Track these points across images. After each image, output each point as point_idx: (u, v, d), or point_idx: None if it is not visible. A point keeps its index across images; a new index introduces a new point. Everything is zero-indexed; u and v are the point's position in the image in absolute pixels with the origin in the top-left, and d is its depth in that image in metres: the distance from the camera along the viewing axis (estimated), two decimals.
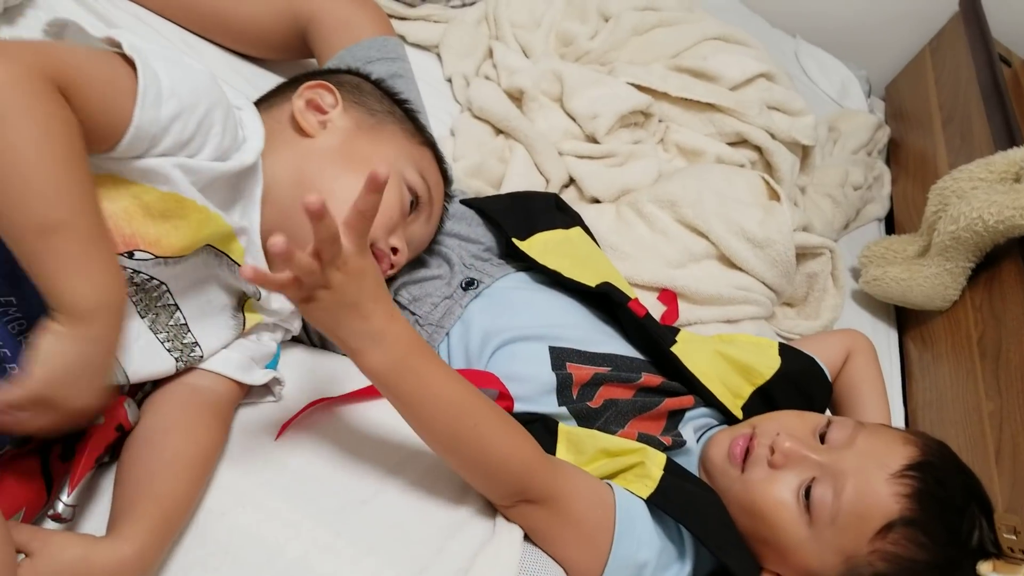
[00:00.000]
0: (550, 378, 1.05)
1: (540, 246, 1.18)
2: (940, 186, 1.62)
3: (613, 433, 1.03)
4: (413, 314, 1.13)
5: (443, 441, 0.85)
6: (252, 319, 0.93)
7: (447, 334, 1.11)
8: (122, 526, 0.75)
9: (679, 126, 1.61)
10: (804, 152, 1.71)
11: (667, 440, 1.05)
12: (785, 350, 1.21)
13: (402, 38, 1.50)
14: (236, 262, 0.88)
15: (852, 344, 1.32)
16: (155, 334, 0.83)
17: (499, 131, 1.49)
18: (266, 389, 0.95)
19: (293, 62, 1.39)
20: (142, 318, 0.82)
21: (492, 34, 1.66)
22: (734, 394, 1.16)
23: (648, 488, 0.94)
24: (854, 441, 0.99)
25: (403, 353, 0.80)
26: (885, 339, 1.71)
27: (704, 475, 1.07)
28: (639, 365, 1.12)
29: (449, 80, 1.58)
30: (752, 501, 0.99)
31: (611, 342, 1.14)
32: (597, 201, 1.47)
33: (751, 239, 1.39)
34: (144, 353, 0.83)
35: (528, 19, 1.67)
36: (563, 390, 1.05)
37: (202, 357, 0.87)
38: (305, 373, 1.01)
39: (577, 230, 1.27)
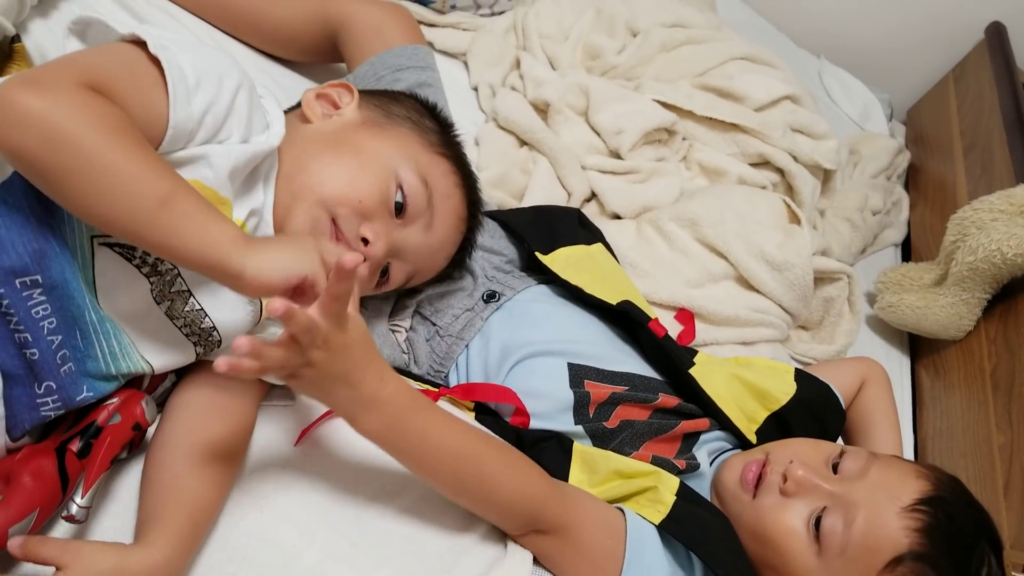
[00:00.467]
0: (568, 396, 1.06)
1: (562, 261, 1.19)
2: (960, 216, 1.62)
3: (627, 455, 1.04)
4: (434, 325, 1.13)
5: (449, 488, 0.86)
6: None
7: (466, 346, 1.12)
8: (151, 533, 0.76)
9: (702, 145, 1.61)
10: (825, 176, 1.71)
11: (681, 463, 1.05)
12: (801, 376, 1.21)
13: (430, 45, 1.50)
14: None
15: (867, 373, 1.32)
16: (172, 320, 0.83)
17: (523, 142, 1.49)
18: (286, 391, 0.95)
19: (322, 66, 1.39)
20: (158, 304, 0.82)
21: (520, 44, 1.66)
22: (749, 418, 1.16)
23: (660, 514, 0.94)
24: (867, 472, 0.99)
25: (397, 414, 0.79)
26: (898, 366, 1.71)
27: (716, 499, 1.07)
28: (656, 385, 1.12)
29: (475, 89, 1.59)
30: (763, 527, 0.99)
31: (629, 361, 1.14)
32: (618, 217, 1.47)
33: (770, 262, 1.39)
34: (165, 342, 0.84)
35: (556, 31, 1.67)
36: (580, 408, 1.06)
37: (221, 342, 0.87)
38: None
39: (598, 246, 1.28)
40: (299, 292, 0.76)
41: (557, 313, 1.15)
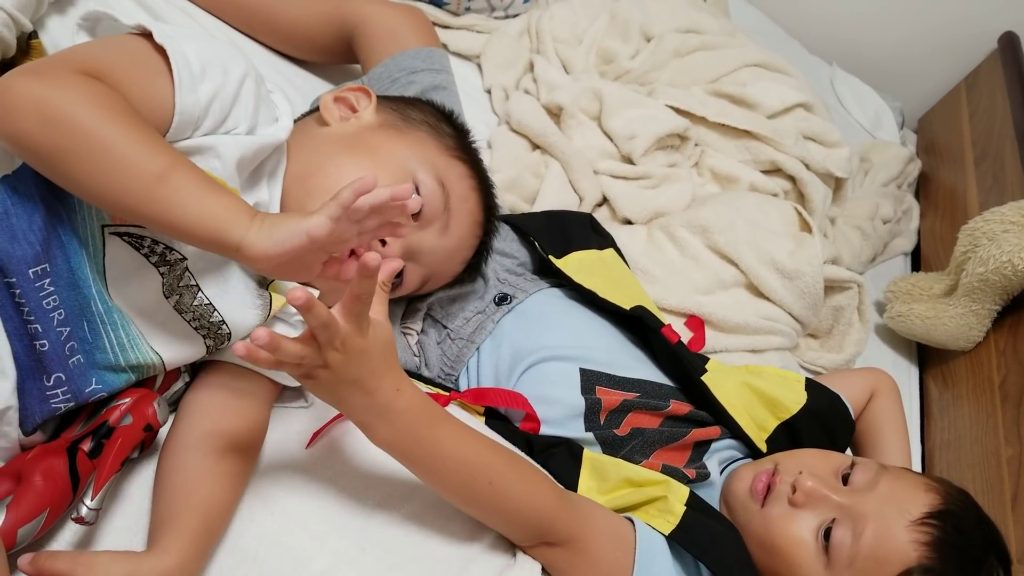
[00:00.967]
0: (579, 402, 1.06)
1: (575, 265, 1.19)
2: (971, 227, 1.61)
3: (637, 463, 1.04)
4: (445, 327, 1.13)
5: (459, 499, 0.86)
6: (278, 300, 0.92)
7: (477, 349, 1.12)
8: (164, 538, 0.76)
9: (715, 151, 1.61)
10: (837, 184, 1.71)
11: (691, 473, 1.05)
12: (811, 385, 1.21)
13: (444, 47, 1.50)
14: None
15: (877, 384, 1.32)
16: (180, 314, 0.83)
17: (535, 146, 1.49)
18: (298, 393, 0.95)
19: (336, 66, 1.39)
20: (167, 298, 0.82)
21: (533, 47, 1.66)
22: (759, 427, 1.16)
23: (670, 524, 0.94)
24: (876, 485, 0.99)
25: (410, 424, 0.79)
26: (906, 376, 1.71)
27: (725, 509, 1.07)
28: (668, 392, 1.12)
29: (488, 91, 1.58)
30: (771, 537, 0.99)
31: (640, 367, 1.14)
32: (629, 222, 1.47)
33: (781, 269, 1.39)
34: (174, 335, 0.84)
35: (570, 35, 1.67)
36: (591, 415, 1.06)
37: (230, 335, 0.87)
38: None
39: (610, 252, 1.28)
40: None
41: (569, 317, 1.15)
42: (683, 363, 1.14)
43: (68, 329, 0.77)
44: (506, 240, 1.23)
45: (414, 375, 1.11)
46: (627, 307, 1.15)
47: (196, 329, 0.85)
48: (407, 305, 1.14)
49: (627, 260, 1.34)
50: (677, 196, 1.49)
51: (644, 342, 1.18)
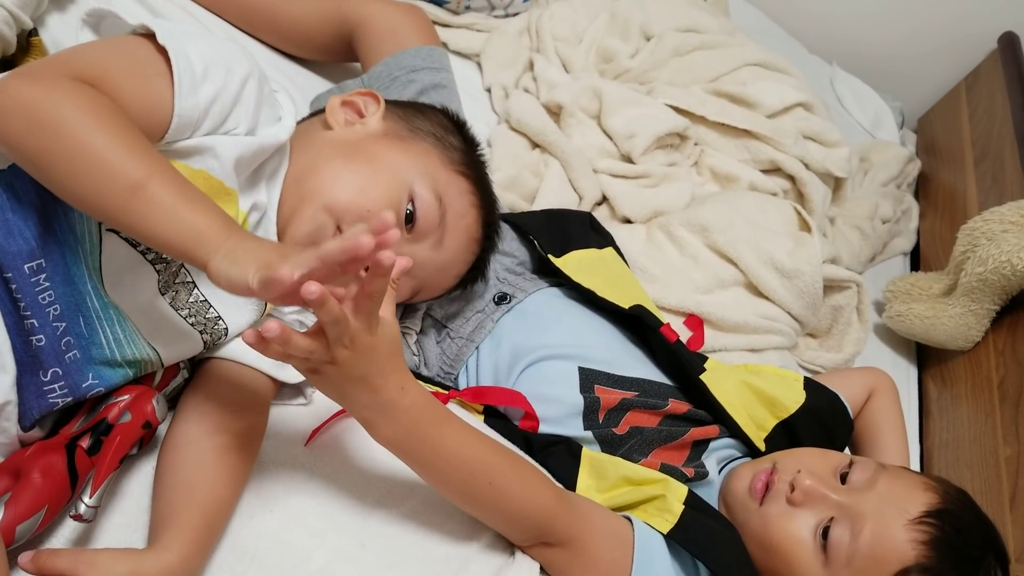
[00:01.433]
0: (578, 400, 1.06)
1: (574, 264, 1.19)
2: (970, 227, 1.61)
3: (636, 461, 1.04)
4: (444, 327, 1.13)
5: (459, 498, 0.86)
6: None
7: (477, 348, 1.12)
8: (165, 535, 0.75)
9: (714, 150, 1.61)
10: (836, 183, 1.71)
11: (689, 472, 1.06)
12: (810, 385, 1.22)
13: (444, 45, 1.50)
14: None
15: (875, 383, 1.33)
16: (177, 311, 0.83)
17: (535, 145, 1.49)
18: (297, 390, 0.95)
19: (336, 65, 1.39)
20: (163, 295, 0.82)
21: (533, 46, 1.66)
22: (758, 426, 1.16)
23: (668, 523, 0.94)
24: (875, 484, 0.99)
25: (414, 423, 0.79)
26: (905, 376, 1.71)
27: (723, 508, 1.07)
28: (666, 391, 1.12)
29: (488, 90, 1.59)
30: (769, 536, 1.00)
31: (639, 366, 1.14)
32: (629, 221, 1.47)
33: (780, 269, 1.39)
34: (171, 331, 0.84)
35: (570, 33, 1.67)
36: (590, 414, 1.06)
37: (227, 330, 0.87)
38: None
39: (610, 250, 1.28)
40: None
41: (568, 316, 1.16)
42: (682, 362, 1.14)
43: (64, 324, 0.77)
44: (505, 239, 1.23)
45: (413, 374, 1.11)
46: (626, 306, 1.15)
47: (192, 325, 0.85)
48: (406, 305, 1.14)
49: (626, 259, 1.34)
50: (676, 195, 1.49)
51: (643, 341, 1.18)
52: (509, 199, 1.39)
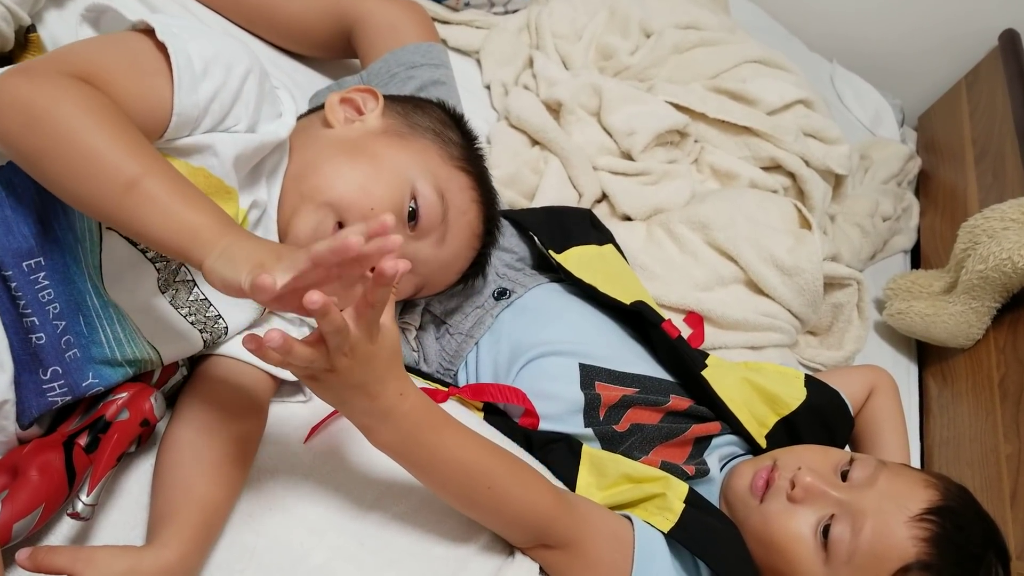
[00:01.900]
0: (578, 397, 1.06)
1: (575, 260, 1.19)
2: (971, 224, 1.61)
3: (636, 459, 1.04)
4: (444, 322, 1.13)
5: (459, 502, 0.86)
6: None
7: (476, 344, 1.11)
8: (163, 533, 0.75)
9: (714, 147, 1.61)
10: (837, 181, 1.71)
11: (690, 469, 1.05)
12: (811, 382, 1.21)
13: (443, 42, 1.50)
14: None
15: (876, 381, 1.32)
16: (176, 310, 0.83)
17: (535, 142, 1.49)
18: (296, 387, 0.95)
19: (335, 60, 1.39)
20: (163, 293, 0.82)
21: (533, 43, 1.65)
22: (759, 423, 1.16)
23: (669, 522, 0.94)
24: (875, 481, 0.99)
25: (412, 429, 0.78)
26: (905, 373, 1.71)
27: (724, 505, 1.07)
28: (667, 387, 1.12)
29: (488, 87, 1.58)
30: (769, 533, 0.99)
31: (640, 362, 1.14)
32: (629, 219, 1.47)
33: (780, 266, 1.39)
34: (171, 329, 0.83)
35: (569, 30, 1.67)
36: (590, 411, 1.06)
37: (227, 329, 0.87)
38: None
39: (610, 247, 1.28)
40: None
41: (569, 312, 1.15)
42: (683, 358, 1.14)
43: (64, 323, 0.77)
44: (505, 235, 1.23)
45: (412, 370, 1.11)
46: (627, 302, 1.15)
47: (193, 324, 0.85)
48: (404, 301, 1.14)
49: (626, 256, 1.34)
50: (676, 192, 1.48)
51: (644, 337, 1.18)
52: (509, 196, 1.39)
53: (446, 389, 1.06)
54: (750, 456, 1.14)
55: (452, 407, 1.02)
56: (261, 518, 0.84)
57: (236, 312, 0.88)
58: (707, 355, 1.21)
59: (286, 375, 0.91)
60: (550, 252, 1.19)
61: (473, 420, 1.02)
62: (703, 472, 1.06)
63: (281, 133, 0.89)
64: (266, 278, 0.60)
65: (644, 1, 1.75)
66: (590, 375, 1.07)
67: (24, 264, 0.74)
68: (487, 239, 1.07)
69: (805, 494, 0.99)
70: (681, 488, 0.99)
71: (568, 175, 1.45)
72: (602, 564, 0.91)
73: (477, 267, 1.09)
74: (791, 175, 1.61)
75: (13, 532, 0.72)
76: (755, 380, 1.18)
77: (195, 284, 0.84)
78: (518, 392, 1.05)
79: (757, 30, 2.04)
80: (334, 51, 1.34)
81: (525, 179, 1.42)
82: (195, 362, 0.91)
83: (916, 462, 1.54)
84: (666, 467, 1.04)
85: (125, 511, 0.82)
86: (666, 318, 1.18)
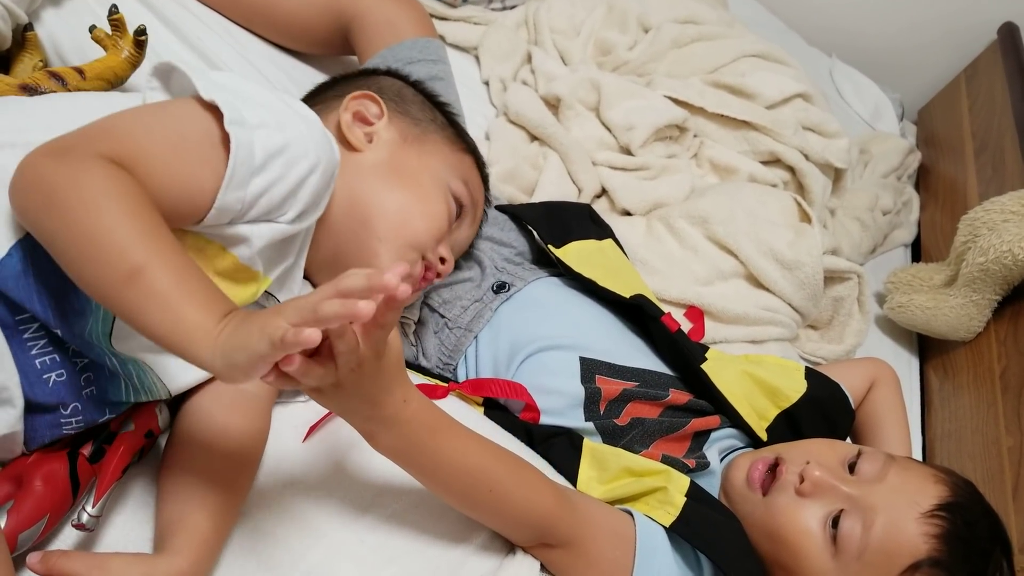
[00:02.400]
0: (579, 391, 1.05)
1: (574, 254, 1.19)
2: (971, 217, 1.61)
3: (637, 453, 1.04)
4: (443, 317, 1.13)
5: (460, 503, 0.86)
6: None
7: (476, 338, 1.11)
8: (175, 540, 0.75)
9: (713, 142, 1.61)
10: (836, 175, 1.70)
11: (691, 462, 1.05)
12: (811, 374, 1.21)
13: (441, 38, 1.49)
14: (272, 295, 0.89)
15: (877, 373, 1.32)
16: None
17: (534, 137, 1.49)
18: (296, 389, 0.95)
19: (333, 57, 1.39)
20: None
21: (531, 39, 1.65)
22: (760, 416, 1.15)
23: (670, 516, 0.94)
24: (885, 475, 0.98)
25: (414, 434, 0.78)
26: (906, 367, 1.71)
27: (724, 498, 1.06)
28: (667, 381, 1.12)
29: (486, 83, 1.58)
30: (777, 527, 0.98)
31: (640, 356, 1.14)
32: (628, 214, 1.47)
33: (780, 260, 1.38)
34: (183, 367, 0.82)
35: (568, 26, 1.67)
36: (591, 405, 1.05)
37: None
38: None
39: (609, 242, 1.27)
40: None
41: (568, 305, 1.15)
42: (683, 351, 1.14)
43: (89, 375, 0.78)
44: (504, 230, 1.23)
45: (412, 366, 1.11)
46: (627, 296, 1.14)
47: None
48: None
49: (626, 251, 1.33)
50: (676, 187, 1.48)
51: (644, 332, 1.18)
52: (508, 192, 1.39)
53: (446, 385, 1.06)
54: (750, 449, 1.14)
55: (452, 403, 1.01)
56: (258, 517, 0.84)
57: None
58: (707, 349, 1.20)
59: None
60: (549, 247, 1.18)
61: (473, 416, 1.02)
62: (704, 465, 1.06)
63: (317, 215, 0.88)
64: (299, 335, 0.58)
65: None
66: (590, 369, 1.07)
67: (50, 329, 0.74)
68: (487, 200, 1.16)
69: (814, 488, 0.98)
70: (682, 481, 0.98)
71: (567, 170, 1.45)
72: (604, 561, 0.91)
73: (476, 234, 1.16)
74: (790, 169, 1.61)
75: (19, 542, 0.72)
76: (755, 373, 1.17)
77: None
78: (518, 387, 1.05)
79: (756, 24, 2.03)
80: (332, 48, 1.34)
81: (524, 174, 1.42)
82: None
83: (918, 455, 1.54)
84: (667, 461, 1.03)
85: (129, 519, 0.81)
86: (666, 312, 1.18)
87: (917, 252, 2.02)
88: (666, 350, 1.16)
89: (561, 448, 1.02)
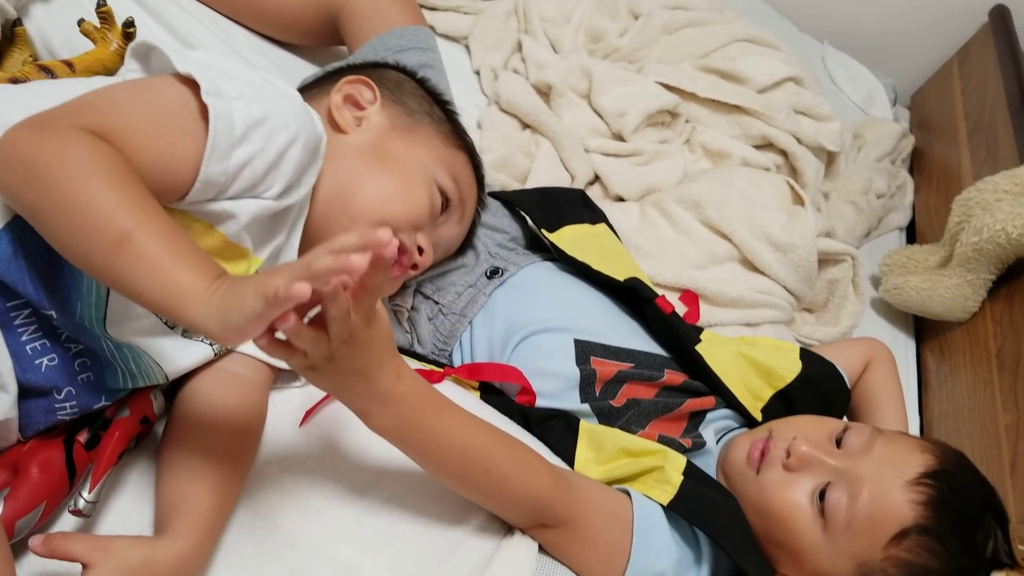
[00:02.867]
0: (574, 373, 1.06)
1: (568, 238, 1.19)
2: (964, 197, 1.61)
3: (634, 433, 1.04)
4: (436, 303, 1.13)
5: (457, 484, 0.86)
6: None
7: (470, 323, 1.11)
8: (176, 523, 0.75)
9: (706, 127, 1.61)
10: (829, 158, 1.70)
11: (687, 442, 1.05)
12: (806, 355, 1.21)
13: (431, 29, 1.49)
14: None
15: (873, 353, 1.32)
16: (191, 338, 0.83)
17: (526, 125, 1.49)
18: (292, 374, 0.94)
19: (322, 48, 1.39)
20: (172, 330, 0.82)
21: (521, 28, 1.65)
22: (754, 396, 1.16)
23: (668, 494, 0.94)
24: (871, 447, 0.99)
25: (410, 412, 0.78)
26: (903, 348, 1.71)
27: (722, 477, 1.07)
28: (662, 362, 1.12)
29: (477, 72, 1.58)
30: (767, 503, 0.99)
31: (634, 338, 1.14)
32: (621, 199, 1.47)
33: (774, 243, 1.39)
34: (183, 352, 0.83)
35: (558, 14, 1.67)
36: (586, 387, 1.06)
37: None
38: None
39: (603, 226, 1.28)
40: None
41: (562, 288, 1.15)
42: (677, 333, 1.14)
43: (84, 360, 0.78)
44: (496, 216, 1.23)
45: (407, 352, 1.11)
46: (621, 279, 1.15)
47: (211, 345, 0.85)
48: None
49: (620, 237, 1.33)
50: (669, 172, 1.48)
51: (638, 314, 1.18)
52: (501, 179, 1.39)
53: (441, 370, 1.06)
54: (746, 429, 1.14)
55: (448, 388, 1.01)
56: (258, 501, 0.84)
57: None
58: (701, 331, 1.21)
59: (285, 364, 0.91)
60: (543, 231, 1.19)
61: (469, 400, 1.02)
62: (700, 445, 1.06)
63: (303, 191, 0.87)
64: (290, 289, 0.58)
65: None
66: (585, 351, 1.07)
67: (43, 312, 0.74)
68: (480, 204, 1.14)
69: (800, 463, 0.99)
70: (679, 461, 0.99)
71: (560, 158, 1.45)
72: (601, 542, 0.91)
73: (472, 231, 1.15)
74: (783, 153, 1.61)
75: (16, 528, 0.72)
76: (750, 354, 1.17)
77: None
78: (513, 370, 1.05)
79: (747, 12, 2.03)
80: (321, 38, 1.34)
81: (517, 163, 1.42)
82: None
83: (916, 436, 1.54)
84: (663, 441, 1.04)
85: (126, 504, 0.81)
86: (660, 294, 1.18)
87: (912, 236, 2.02)
88: (661, 332, 1.16)
89: (558, 430, 1.02)
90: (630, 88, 1.53)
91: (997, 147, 1.87)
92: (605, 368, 1.07)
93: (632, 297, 1.16)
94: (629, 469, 0.99)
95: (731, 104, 1.60)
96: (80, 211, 0.66)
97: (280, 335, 0.66)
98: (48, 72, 1.02)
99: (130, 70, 0.85)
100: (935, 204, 1.98)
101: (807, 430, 1.03)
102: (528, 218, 1.21)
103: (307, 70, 1.33)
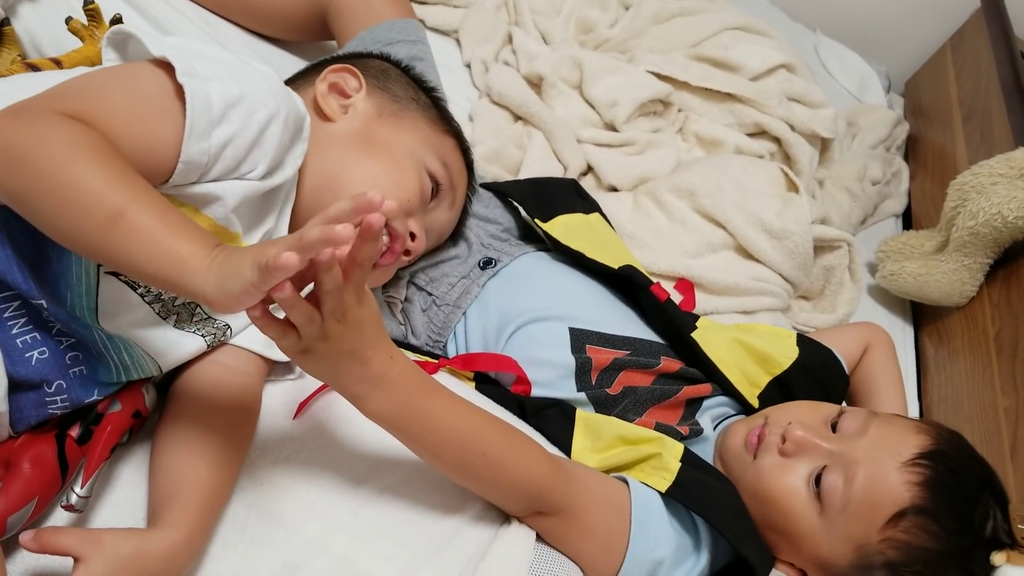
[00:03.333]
0: (569, 361, 1.05)
1: (561, 228, 1.18)
2: (959, 181, 1.60)
3: (631, 421, 1.03)
4: (430, 295, 1.13)
5: (453, 471, 0.85)
6: None
7: (464, 314, 1.11)
8: (168, 514, 0.75)
9: (698, 116, 1.60)
10: (823, 145, 1.70)
11: (684, 429, 1.05)
12: (803, 341, 1.21)
13: (421, 22, 1.49)
14: None
15: (871, 337, 1.32)
16: (183, 330, 0.83)
17: (517, 117, 1.49)
18: (287, 367, 0.95)
19: (312, 44, 1.39)
20: (164, 320, 0.82)
21: (511, 20, 1.65)
22: (751, 383, 1.15)
23: (666, 481, 0.93)
24: (866, 430, 0.99)
25: (404, 395, 0.78)
26: (901, 334, 1.70)
27: (720, 464, 1.07)
28: (658, 349, 1.12)
29: (468, 65, 1.58)
30: (764, 488, 0.99)
31: (630, 325, 1.14)
32: (615, 189, 1.47)
33: (769, 230, 1.38)
34: (175, 344, 0.83)
35: (548, 6, 1.67)
36: (582, 375, 1.05)
37: (232, 329, 0.87)
38: None
39: (596, 216, 1.27)
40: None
41: (556, 277, 1.15)
42: (673, 320, 1.14)
43: (76, 353, 0.78)
44: (489, 207, 1.23)
45: (401, 344, 1.11)
46: (615, 267, 1.14)
47: (203, 336, 0.85)
48: None
49: (614, 226, 1.33)
50: (662, 161, 1.48)
51: (633, 302, 1.18)
52: (493, 171, 1.38)
53: (436, 361, 1.06)
54: (743, 416, 1.14)
55: (443, 378, 1.01)
56: (253, 493, 0.84)
57: (241, 317, 0.87)
58: (697, 318, 1.20)
59: (279, 355, 0.91)
60: (536, 221, 1.18)
61: (465, 390, 1.01)
62: (697, 432, 1.06)
63: (288, 172, 0.86)
64: (279, 258, 0.59)
65: None
66: (580, 339, 1.07)
67: (33, 302, 0.74)
68: (470, 189, 1.15)
69: (796, 448, 0.99)
70: (676, 448, 0.98)
71: (552, 149, 1.45)
72: (599, 529, 0.90)
73: (464, 217, 1.16)
74: (777, 140, 1.61)
75: (8, 524, 0.72)
76: (746, 340, 1.17)
77: (197, 305, 0.83)
78: (509, 360, 1.05)
79: (739, 2, 2.03)
80: (311, 34, 1.34)
81: (509, 154, 1.42)
82: None
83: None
84: (660, 428, 1.03)
85: (119, 498, 0.81)
86: (655, 281, 1.17)
87: (908, 223, 2.01)
88: (656, 319, 1.16)
89: (554, 419, 1.02)
90: (621, 78, 1.52)
91: (992, 132, 1.87)
92: (601, 356, 1.06)
93: (627, 285, 1.16)
94: (626, 457, 0.98)
95: (723, 92, 1.59)
96: (68, 192, 0.66)
97: (278, 314, 0.66)
98: (36, 70, 1.02)
99: (108, 59, 0.85)
100: (931, 190, 1.98)
101: (802, 415, 1.03)
102: (521, 208, 1.21)
103: (297, 66, 1.31)
